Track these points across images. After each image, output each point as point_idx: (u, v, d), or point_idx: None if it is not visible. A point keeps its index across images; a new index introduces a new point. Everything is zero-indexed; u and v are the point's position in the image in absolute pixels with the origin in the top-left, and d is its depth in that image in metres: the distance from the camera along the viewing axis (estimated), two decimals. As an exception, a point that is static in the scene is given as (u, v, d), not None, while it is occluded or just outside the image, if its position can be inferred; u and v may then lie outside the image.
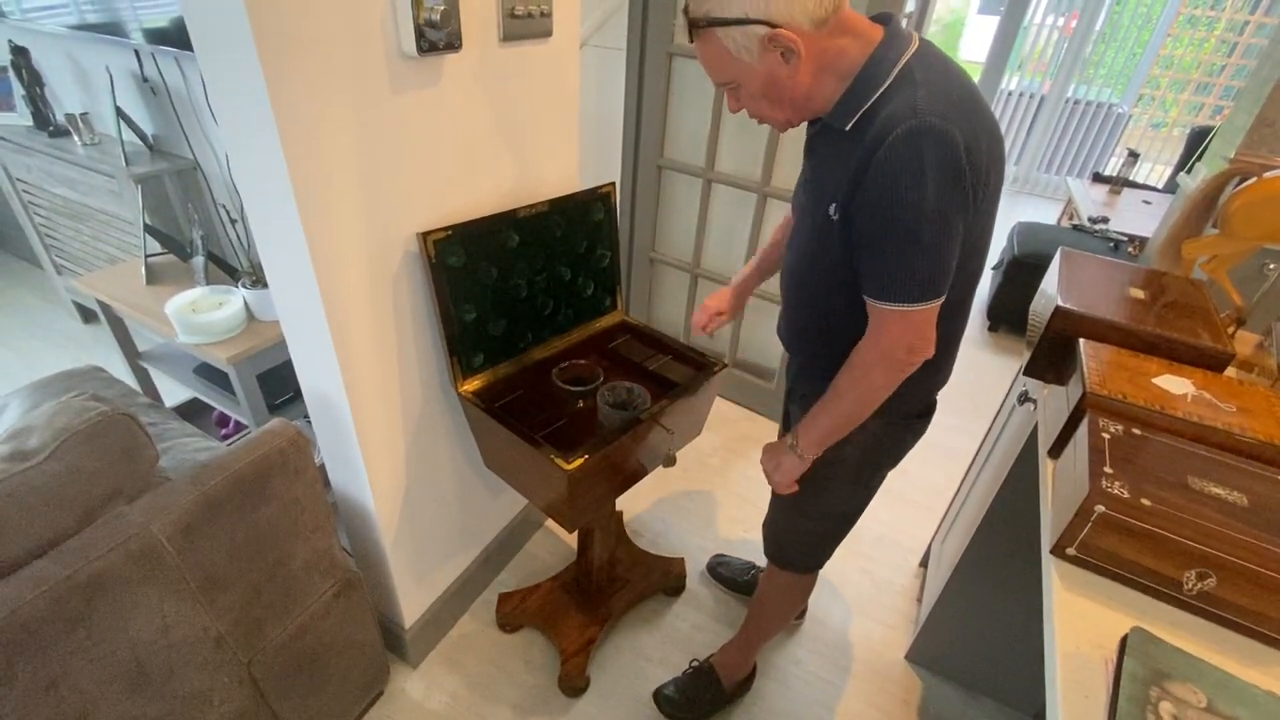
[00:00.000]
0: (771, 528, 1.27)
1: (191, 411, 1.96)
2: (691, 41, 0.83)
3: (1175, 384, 0.91)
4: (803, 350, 1.08)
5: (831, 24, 0.78)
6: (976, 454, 1.68)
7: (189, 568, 0.90)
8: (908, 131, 0.73)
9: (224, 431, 1.92)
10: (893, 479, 2.15)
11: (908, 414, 1.05)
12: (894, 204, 0.76)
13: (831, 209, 0.86)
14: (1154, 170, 5.00)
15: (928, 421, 1.08)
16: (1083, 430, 0.84)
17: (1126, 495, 0.71)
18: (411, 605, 1.46)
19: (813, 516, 1.18)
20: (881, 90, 0.79)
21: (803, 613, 1.70)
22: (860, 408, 0.93)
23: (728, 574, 1.76)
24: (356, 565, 1.25)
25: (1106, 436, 0.80)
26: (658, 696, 1.46)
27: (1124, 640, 0.66)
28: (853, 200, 0.81)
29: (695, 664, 1.50)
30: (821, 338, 1.00)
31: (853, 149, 0.80)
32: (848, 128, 0.82)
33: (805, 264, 0.97)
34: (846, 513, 1.18)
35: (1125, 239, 2.94)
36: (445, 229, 1.08)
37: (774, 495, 1.23)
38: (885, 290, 0.82)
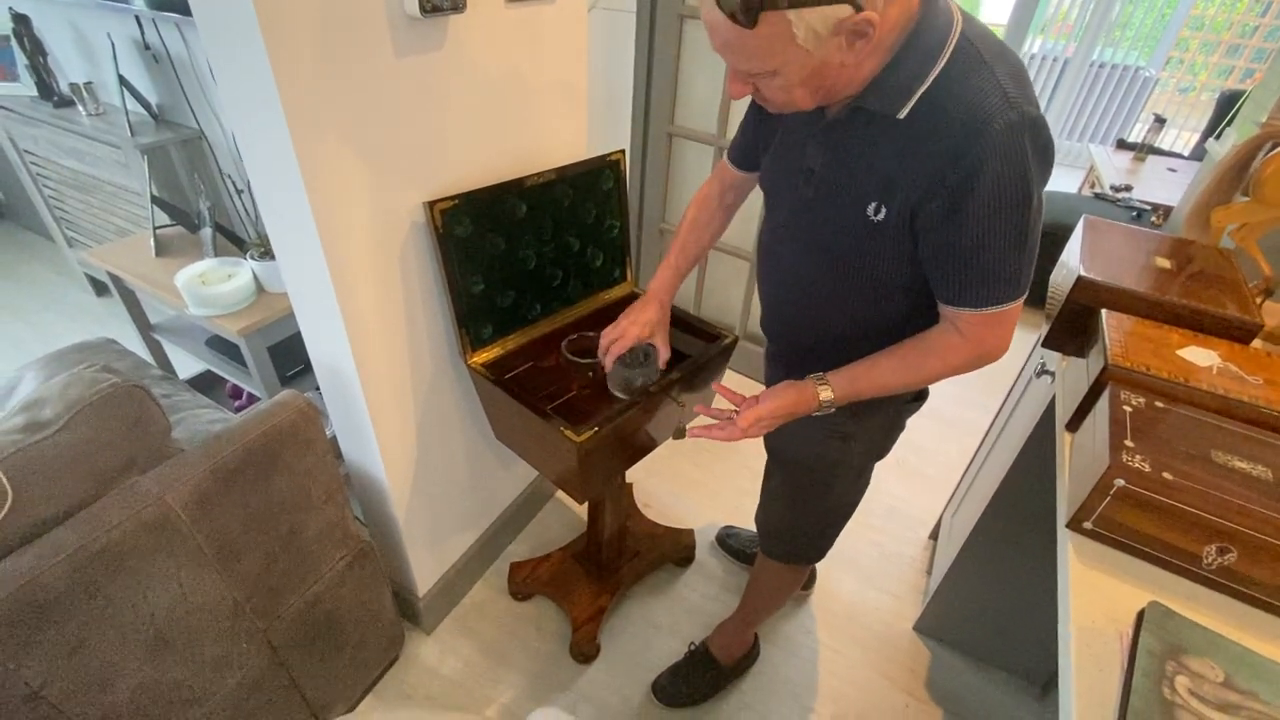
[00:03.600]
0: (773, 528, 1.23)
1: (205, 384, 1.97)
2: (743, 22, 0.63)
3: (1200, 356, 0.88)
4: (816, 363, 0.91)
5: None
6: (990, 427, 1.66)
7: (204, 537, 0.91)
8: (1009, 126, 0.66)
9: (237, 403, 1.93)
10: (905, 451, 2.16)
11: (908, 399, 1.03)
12: (1002, 211, 0.70)
13: (872, 209, 0.77)
14: (1180, 137, 4.85)
15: (922, 403, 1.06)
16: (1103, 403, 0.82)
17: (1148, 469, 0.70)
18: (425, 574, 1.48)
19: (820, 512, 1.16)
20: (939, 70, 0.69)
21: (812, 582, 1.71)
22: (917, 388, 0.90)
23: (736, 545, 1.77)
24: (370, 535, 1.26)
25: (1128, 409, 0.78)
26: (655, 688, 1.45)
27: (1140, 614, 0.65)
28: (930, 202, 0.72)
29: (692, 648, 1.50)
30: (846, 348, 0.89)
31: (912, 141, 0.71)
32: (901, 115, 0.71)
33: (825, 270, 0.86)
34: (849, 506, 1.16)
35: (1148, 208, 2.86)
36: (451, 198, 1.06)
37: (771, 494, 1.20)
38: (990, 297, 0.76)
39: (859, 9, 0.63)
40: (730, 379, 2.43)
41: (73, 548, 0.77)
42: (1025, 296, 0.79)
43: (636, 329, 1.07)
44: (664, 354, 1.12)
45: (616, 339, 1.06)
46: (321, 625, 1.17)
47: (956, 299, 0.79)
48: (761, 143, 0.96)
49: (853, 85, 0.73)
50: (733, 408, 0.96)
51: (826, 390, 0.88)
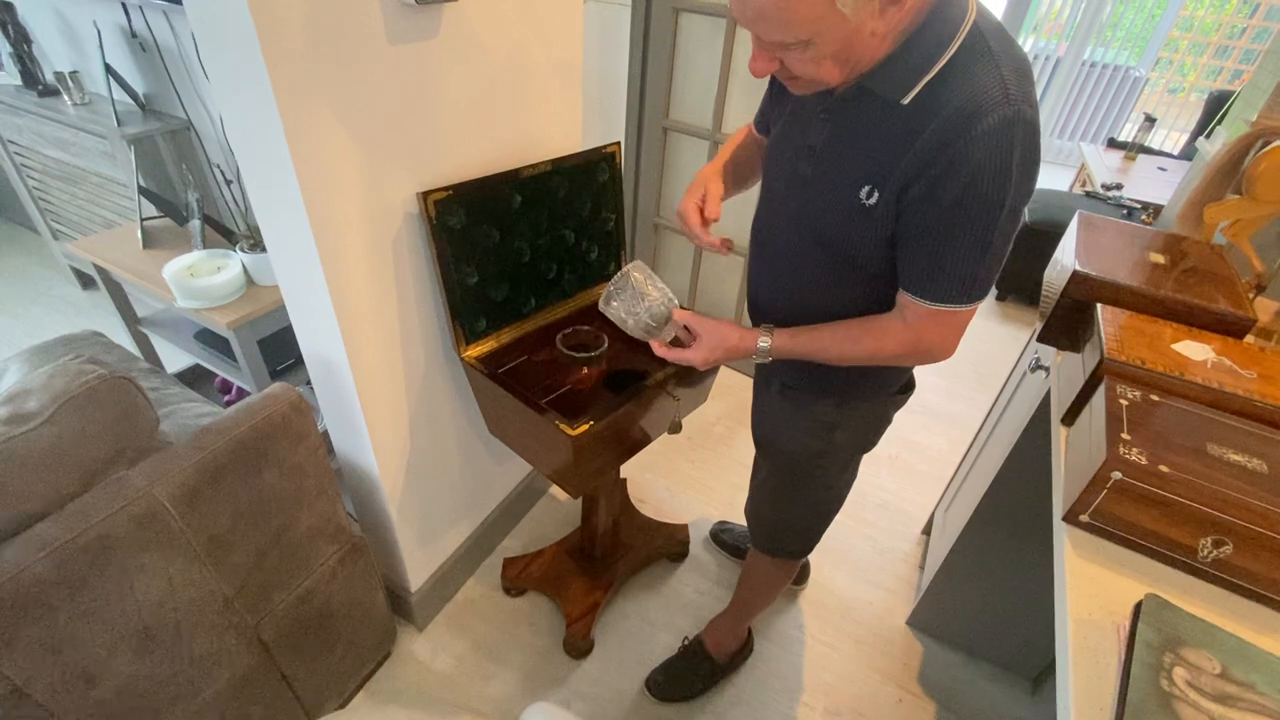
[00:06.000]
0: (762, 521, 1.24)
1: (194, 378, 1.95)
2: None
3: (1195, 350, 0.89)
4: None
5: None
6: (983, 423, 1.67)
7: (193, 531, 0.89)
8: (1002, 122, 0.65)
9: (227, 398, 1.91)
10: (898, 447, 2.18)
11: (894, 390, 1.02)
12: (973, 205, 0.69)
13: (865, 193, 0.76)
14: (1169, 137, 4.89)
15: (909, 396, 1.06)
16: (1099, 396, 0.82)
17: (1144, 462, 0.70)
18: (417, 569, 1.46)
19: (807, 505, 1.16)
20: (947, 58, 0.68)
21: (805, 577, 1.72)
22: (855, 364, 0.88)
23: (730, 541, 1.77)
24: (362, 530, 1.25)
25: (1124, 402, 0.79)
26: (649, 683, 1.45)
27: (1138, 606, 0.65)
28: (912, 187, 0.71)
29: (686, 641, 1.50)
30: None
31: (911, 128, 0.70)
32: (905, 100, 0.70)
33: (813, 251, 0.86)
34: (836, 498, 1.16)
35: (1139, 206, 2.88)
36: (446, 188, 1.05)
37: (759, 487, 1.20)
38: (942, 291, 0.75)
39: None
40: (724, 374, 2.43)
41: (58, 542, 0.75)
42: (977, 305, 0.78)
43: (691, 202, 0.98)
44: (711, 206, 0.97)
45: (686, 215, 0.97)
46: (313, 621, 1.16)
47: (909, 284, 0.78)
48: (774, 114, 0.95)
49: (873, 60, 0.71)
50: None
51: (766, 338, 0.89)
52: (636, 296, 0.95)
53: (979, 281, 0.75)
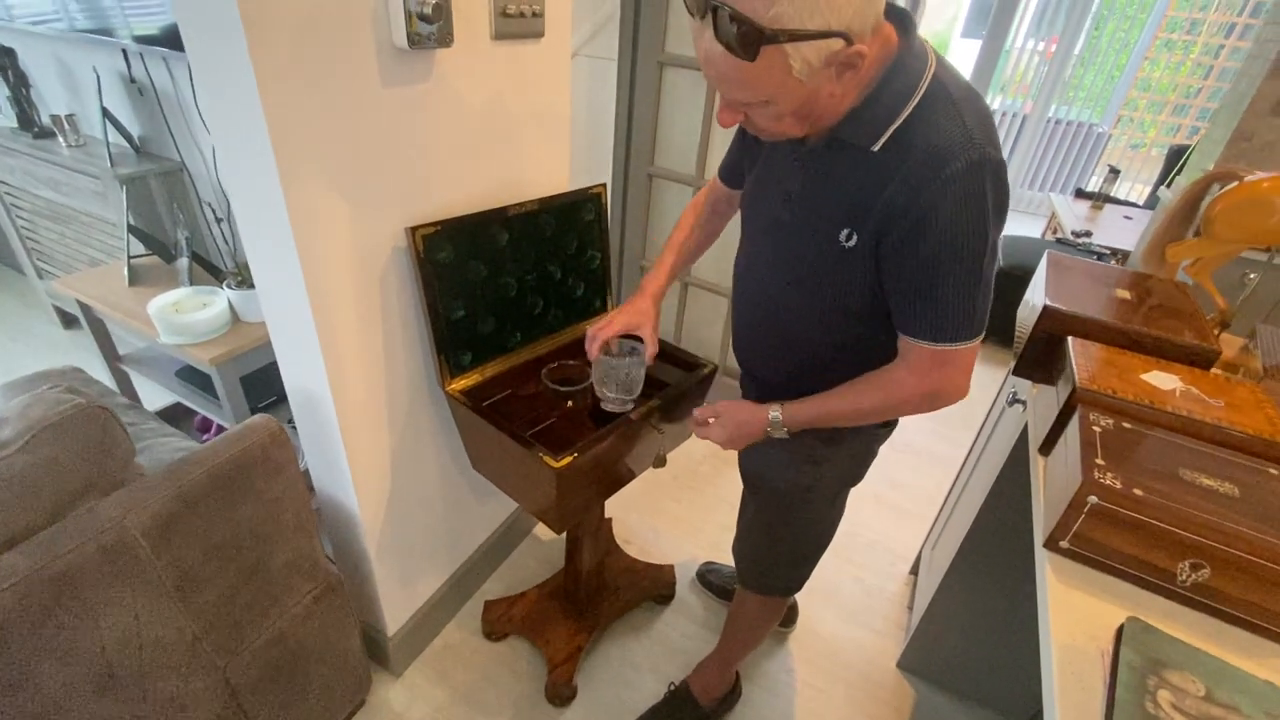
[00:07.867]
0: (750, 558, 1.23)
1: (172, 417, 1.92)
2: (744, 55, 0.64)
3: (1164, 380, 0.91)
4: (785, 390, 0.95)
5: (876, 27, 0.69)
6: (965, 460, 1.68)
7: (164, 565, 0.87)
8: (970, 165, 0.69)
9: (205, 437, 1.88)
10: (883, 487, 2.18)
11: (879, 425, 1.03)
12: (958, 245, 0.72)
13: (844, 235, 0.79)
14: (1134, 188, 5.10)
15: (892, 429, 1.07)
16: (1073, 425, 0.84)
17: (1119, 486, 0.71)
18: (395, 612, 1.42)
19: (796, 540, 1.16)
20: (911, 108, 0.72)
21: (793, 619, 1.68)
22: (869, 421, 0.90)
23: (717, 582, 1.74)
24: (339, 570, 1.22)
25: (1098, 430, 0.80)
26: None
27: (1120, 630, 0.65)
28: (890, 233, 0.75)
29: (672, 688, 1.46)
30: (816, 374, 0.92)
31: (882, 172, 0.74)
32: (876, 147, 0.74)
33: (795, 293, 0.89)
34: (824, 533, 1.16)
35: (1108, 252, 2.99)
36: (434, 224, 1.07)
37: (747, 523, 1.20)
38: (942, 331, 0.77)
39: (850, 42, 0.65)
40: (710, 415, 2.43)
41: (23, 573, 0.73)
42: (978, 342, 0.80)
43: (624, 317, 1.07)
44: (651, 349, 1.09)
45: (604, 326, 1.06)
46: (284, 664, 1.12)
47: (910, 328, 0.80)
48: (747, 163, 0.99)
49: (836, 115, 0.75)
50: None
51: (776, 411, 0.93)
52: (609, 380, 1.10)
53: (977, 313, 0.77)
